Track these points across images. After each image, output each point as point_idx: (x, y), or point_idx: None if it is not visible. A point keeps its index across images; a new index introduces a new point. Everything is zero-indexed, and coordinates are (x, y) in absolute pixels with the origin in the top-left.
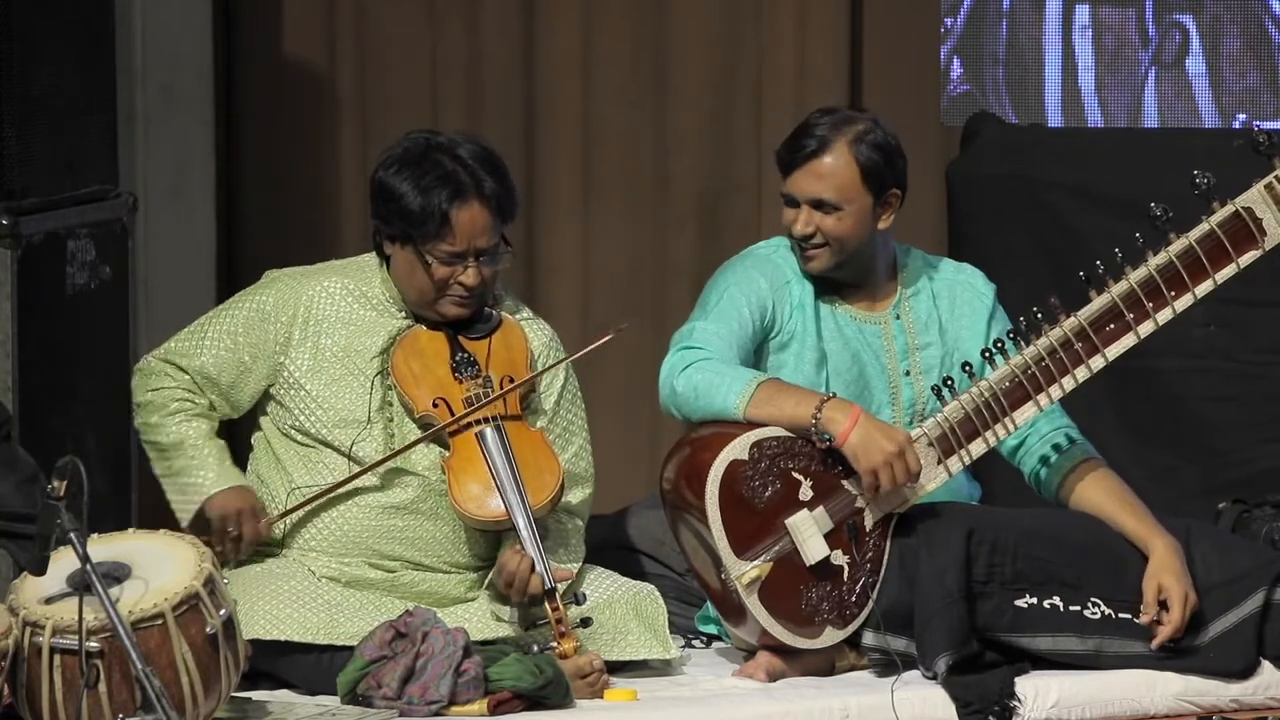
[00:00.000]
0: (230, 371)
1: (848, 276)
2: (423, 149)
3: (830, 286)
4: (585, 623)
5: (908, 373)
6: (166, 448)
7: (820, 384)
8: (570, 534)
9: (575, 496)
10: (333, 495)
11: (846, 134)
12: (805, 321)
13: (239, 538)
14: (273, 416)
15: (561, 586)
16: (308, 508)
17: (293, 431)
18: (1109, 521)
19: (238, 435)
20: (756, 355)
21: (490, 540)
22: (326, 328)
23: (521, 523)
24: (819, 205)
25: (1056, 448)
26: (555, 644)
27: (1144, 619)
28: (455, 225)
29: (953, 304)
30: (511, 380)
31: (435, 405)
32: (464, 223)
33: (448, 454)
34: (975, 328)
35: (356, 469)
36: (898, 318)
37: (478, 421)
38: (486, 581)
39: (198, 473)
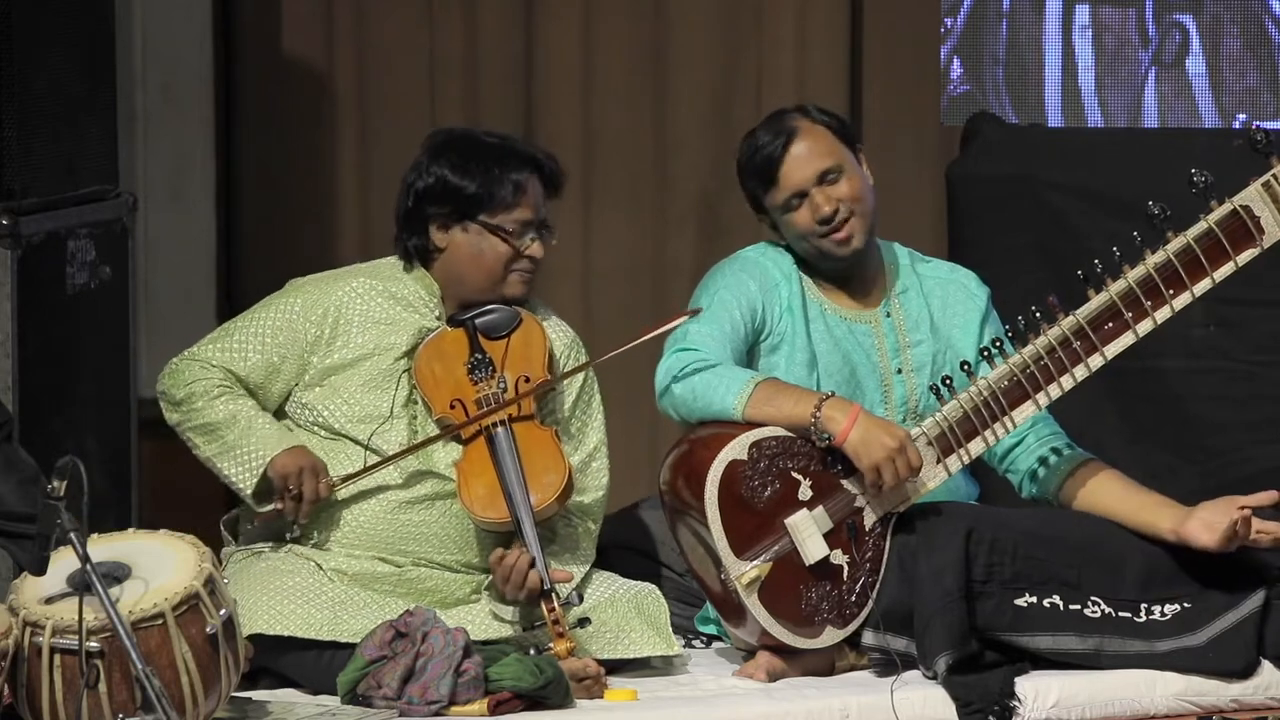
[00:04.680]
0: (259, 373)
1: (846, 267)
2: (471, 137)
3: (820, 287)
4: (583, 623)
5: (899, 370)
6: (218, 424)
7: (812, 385)
8: (581, 537)
9: (588, 497)
10: (349, 488)
11: (794, 115)
12: (795, 323)
13: (299, 496)
14: (296, 413)
15: (562, 589)
16: (372, 473)
17: (315, 427)
18: (1131, 499)
19: None
20: (749, 357)
21: (501, 542)
22: (356, 326)
23: (525, 524)
24: (824, 177)
25: (1056, 450)
26: (551, 644)
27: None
28: (529, 192)
29: (945, 303)
30: (527, 379)
31: (452, 407)
32: (533, 191)
33: (459, 457)
34: (968, 328)
35: (379, 463)
36: (888, 315)
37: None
38: (487, 581)
39: (254, 439)
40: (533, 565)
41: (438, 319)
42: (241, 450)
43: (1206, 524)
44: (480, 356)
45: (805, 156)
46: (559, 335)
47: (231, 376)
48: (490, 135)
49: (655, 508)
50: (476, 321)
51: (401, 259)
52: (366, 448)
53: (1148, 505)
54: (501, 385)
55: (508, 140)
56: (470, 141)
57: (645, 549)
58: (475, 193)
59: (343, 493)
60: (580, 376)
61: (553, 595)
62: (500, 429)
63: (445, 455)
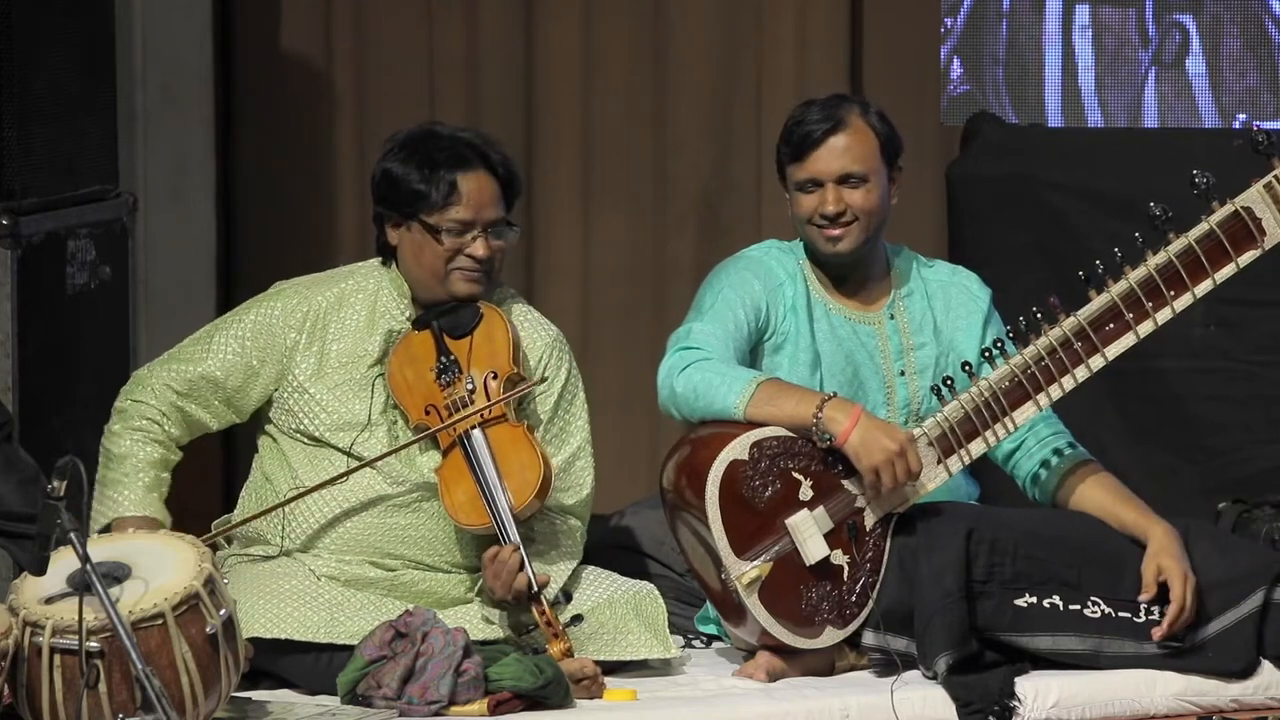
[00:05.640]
0: (238, 375)
1: (848, 269)
2: (422, 134)
3: (824, 287)
4: (576, 620)
5: (902, 372)
6: (112, 457)
7: (814, 385)
8: (564, 534)
9: (571, 497)
10: (336, 495)
11: (853, 109)
12: (799, 323)
13: None
14: (277, 421)
15: (550, 591)
16: (243, 526)
17: (296, 434)
18: (1109, 516)
19: (241, 435)
20: (752, 357)
21: (489, 544)
22: (333, 333)
23: (508, 526)
24: (845, 179)
25: (1057, 451)
26: (546, 647)
27: (1143, 598)
28: (463, 191)
29: (948, 305)
30: (495, 376)
31: (427, 413)
32: (472, 190)
33: (439, 463)
34: (970, 330)
35: (355, 468)
36: (892, 318)
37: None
38: (479, 587)
39: (123, 490)
40: (522, 566)
41: (407, 319)
42: (108, 494)
43: (1158, 563)
44: (446, 359)
45: (839, 152)
46: (540, 334)
47: (174, 409)
48: (456, 131)
49: (655, 507)
50: (440, 321)
51: (380, 254)
52: (348, 455)
53: (1125, 524)
54: (469, 386)
55: (468, 138)
56: (420, 140)
57: (645, 549)
58: (411, 192)
59: (331, 502)
60: (563, 377)
61: (541, 598)
62: (474, 432)
63: (429, 460)
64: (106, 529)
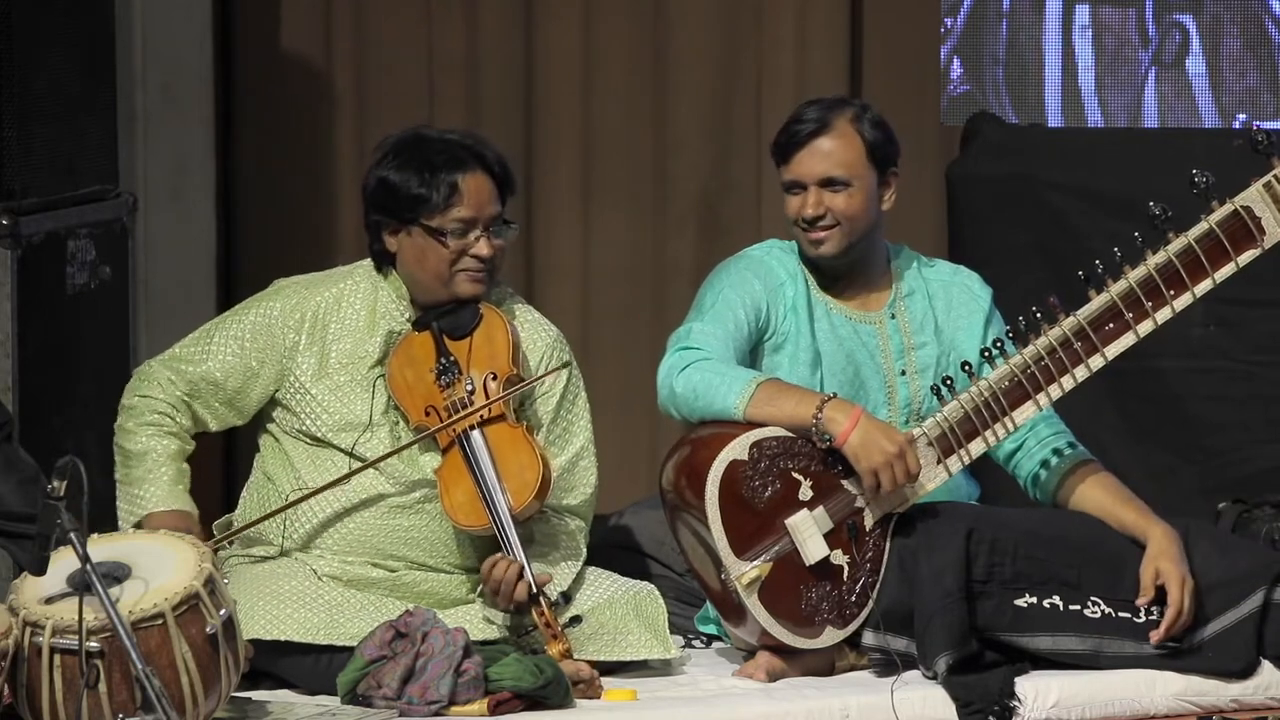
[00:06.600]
0: (238, 377)
1: (845, 269)
2: (412, 139)
3: (825, 286)
4: (575, 621)
5: (903, 372)
6: (131, 455)
7: (815, 385)
8: (564, 535)
9: (575, 498)
10: (339, 496)
11: (845, 112)
12: (799, 323)
13: None
14: (278, 421)
15: (552, 591)
16: (247, 530)
17: (299, 435)
18: (1108, 517)
19: (241, 435)
20: (752, 356)
21: (488, 545)
22: (333, 334)
23: (507, 528)
24: (828, 184)
25: (1057, 451)
26: (545, 648)
27: (1140, 602)
28: (464, 191)
29: (949, 305)
30: (494, 377)
31: (427, 414)
32: (472, 189)
33: (439, 464)
34: (972, 330)
35: (357, 469)
36: (893, 317)
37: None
38: (480, 588)
39: (148, 487)
40: (521, 576)
41: (407, 320)
42: (134, 492)
43: (1156, 566)
44: (446, 360)
45: (821, 155)
46: (540, 334)
47: (196, 391)
48: (445, 134)
49: (655, 507)
50: (439, 323)
51: (375, 261)
52: (350, 455)
53: (1125, 524)
54: (469, 387)
55: (460, 140)
56: (412, 145)
57: (645, 549)
58: (411, 197)
59: (334, 502)
60: (563, 378)
61: (540, 599)
62: (473, 432)
63: (431, 460)
64: (138, 527)
